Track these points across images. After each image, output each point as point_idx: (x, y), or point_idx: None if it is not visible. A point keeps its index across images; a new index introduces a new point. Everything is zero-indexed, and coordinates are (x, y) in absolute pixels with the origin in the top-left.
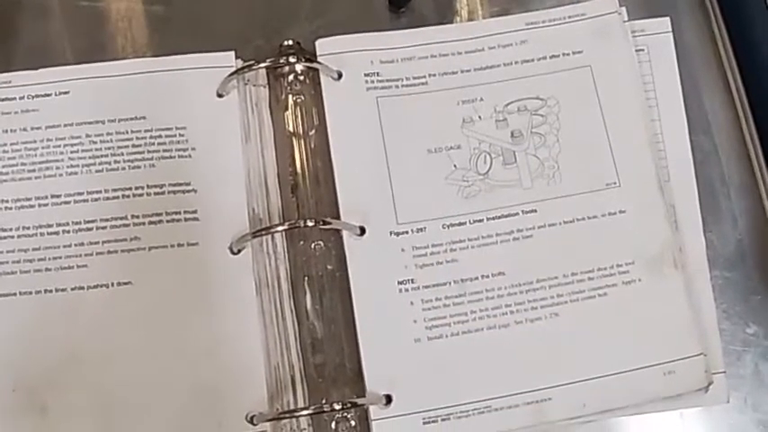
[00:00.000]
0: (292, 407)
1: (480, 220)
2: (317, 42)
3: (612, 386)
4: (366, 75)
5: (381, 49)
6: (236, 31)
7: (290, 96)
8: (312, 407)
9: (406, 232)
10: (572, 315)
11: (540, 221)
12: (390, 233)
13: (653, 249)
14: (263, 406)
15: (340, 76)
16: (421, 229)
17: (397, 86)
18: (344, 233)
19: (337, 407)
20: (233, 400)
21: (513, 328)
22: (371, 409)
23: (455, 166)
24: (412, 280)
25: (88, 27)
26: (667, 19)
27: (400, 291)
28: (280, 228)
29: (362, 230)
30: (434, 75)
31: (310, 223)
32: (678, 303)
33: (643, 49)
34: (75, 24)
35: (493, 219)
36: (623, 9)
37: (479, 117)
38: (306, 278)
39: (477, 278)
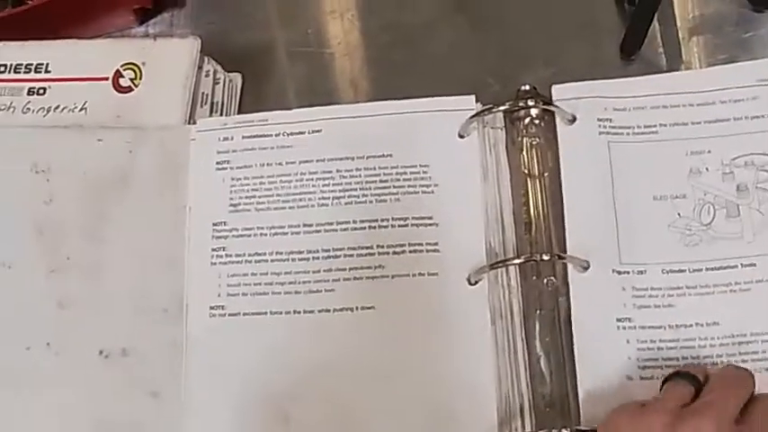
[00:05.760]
0: None
1: (699, 270)
2: (554, 87)
3: None
4: (599, 120)
5: (614, 97)
6: (472, 77)
7: (526, 139)
8: None
9: (628, 272)
10: None
11: (759, 276)
12: (613, 271)
13: None
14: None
15: (573, 120)
16: (642, 272)
17: (628, 134)
18: (569, 268)
19: None
20: (465, 425)
21: None
22: None
23: (679, 214)
24: (629, 318)
25: (334, 72)
26: None
27: (618, 328)
28: (516, 261)
29: (586, 267)
30: (665, 125)
31: (546, 257)
32: None
33: None
34: (322, 69)
35: (712, 269)
36: None
37: (706, 169)
38: (537, 312)
39: (691, 325)
